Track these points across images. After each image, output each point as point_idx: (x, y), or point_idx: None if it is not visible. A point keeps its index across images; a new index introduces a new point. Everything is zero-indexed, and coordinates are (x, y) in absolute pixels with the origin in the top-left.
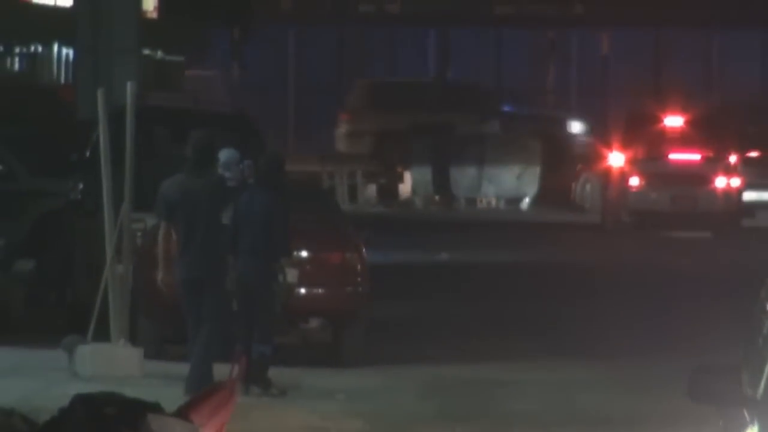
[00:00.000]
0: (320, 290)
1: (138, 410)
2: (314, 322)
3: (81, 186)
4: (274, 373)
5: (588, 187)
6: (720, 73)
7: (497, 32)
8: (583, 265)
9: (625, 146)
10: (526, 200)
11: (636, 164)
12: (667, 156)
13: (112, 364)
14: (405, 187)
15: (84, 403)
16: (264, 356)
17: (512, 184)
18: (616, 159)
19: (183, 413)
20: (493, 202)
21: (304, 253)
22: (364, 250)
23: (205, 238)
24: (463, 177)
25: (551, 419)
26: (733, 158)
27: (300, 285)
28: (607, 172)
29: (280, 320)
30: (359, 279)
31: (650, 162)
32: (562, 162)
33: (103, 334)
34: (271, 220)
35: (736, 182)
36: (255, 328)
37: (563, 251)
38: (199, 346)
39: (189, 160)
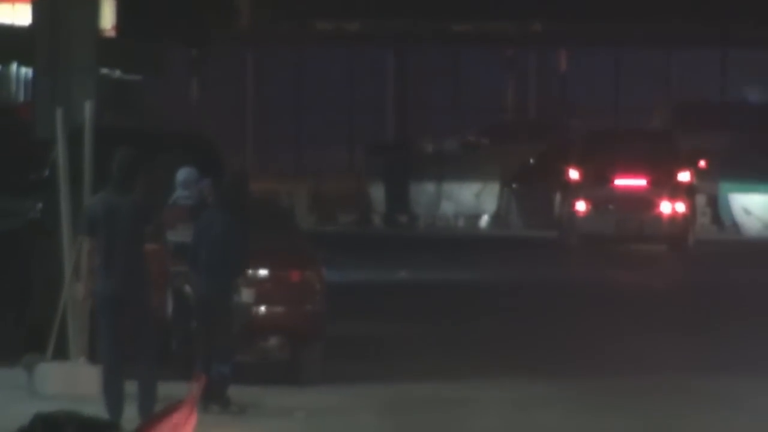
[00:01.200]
0: (279, 308)
1: (98, 429)
2: (273, 340)
3: (40, 205)
4: (233, 391)
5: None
6: (679, 91)
7: (455, 50)
8: (542, 283)
9: (580, 165)
10: (485, 218)
11: (582, 189)
12: (612, 181)
13: (71, 383)
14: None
15: (44, 422)
16: (223, 375)
17: (471, 201)
18: (572, 176)
19: None
20: (452, 220)
21: (262, 272)
22: (322, 268)
23: (127, 257)
24: (421, 195)
25: None
26: (685, 176)
27: (259, 303)
28: (564, 189)
29: (239, 339)
30: (318, 297)
31: (596, 187)
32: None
33: (62, 353)
34: (230, 240)
35: (681, 207)
36: (214, 347)
37: (521, 269)
38: (140, 367)
39: (112, 177)
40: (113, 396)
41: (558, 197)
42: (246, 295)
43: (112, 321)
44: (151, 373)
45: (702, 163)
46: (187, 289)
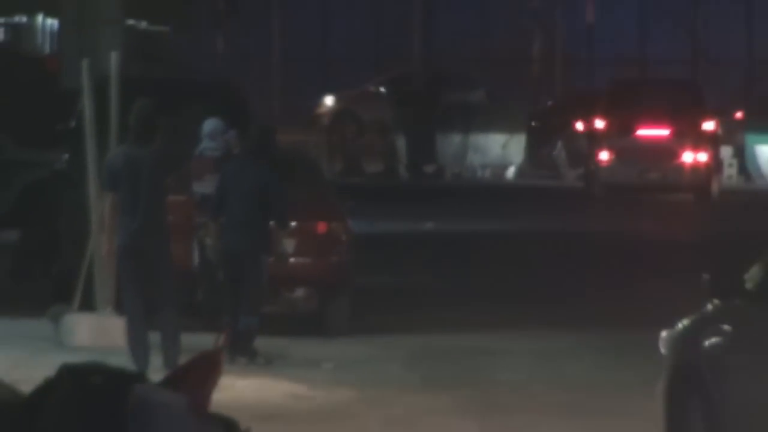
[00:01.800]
0: (306, 260)
1: (124, 380)
2: (300, 292)
3: (66, 156)
4: (259, 342)
5: (563, 152)
6: (706, 40)
7: (481, 1)
8: (567, 234)
9: (605, 115)
10: (512, 169)
11: (606, 139)
12: (635, 131)
13: (98, 334)
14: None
15: (70, 372)
16: (251, 327)
17: (498, 153)
18: (596, 126)
19: (169, 383)
20: (479, 171)
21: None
22: (348, 219)
23: (149, 208)
24: (448, 146)
25: (538, 387)
26: (709, 126)
27: (285, 254)
28: (588, 139)
29: (267, 291)
30: (344, 249)
31: (619, 137)
32: None
33: (88, 305)
34: (264, 193)
35: (703, 157)
36: (242, 299)
37: (548, 219)
38: (165, 319)
39: (131, 129)
40: (138, 347)
41: (583, 147)
42: (289, 246)
43: (134, 272)
44: (175, 324)
45: (738, 114)
46: (208, 240)
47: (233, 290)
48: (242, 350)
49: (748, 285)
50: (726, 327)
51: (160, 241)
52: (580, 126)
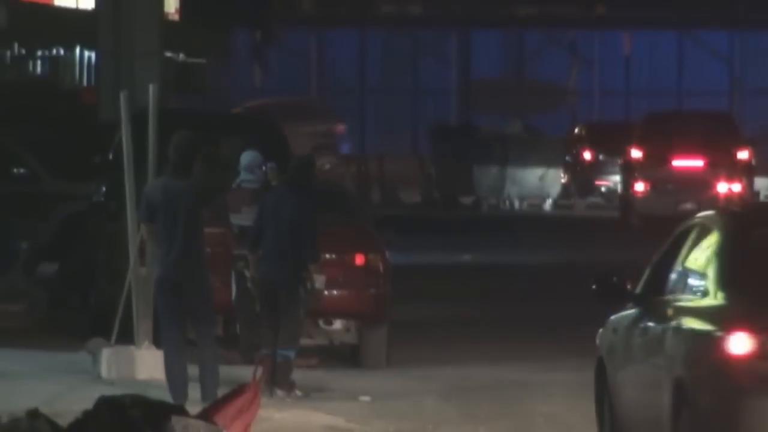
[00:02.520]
0: (344, 292)
1: (162, 412)
2: (338, 324)
3: (104, 188)
4: (297, 375)
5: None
6: (742, 74)
7: (519, 33)
8: (603, 264)
9: (641, 145)
10: (549, 201)
11: (641, 169)
12: (670, 162)
13: (135, 367)
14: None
15: (109, 405)
16: (288, 360)
17: (535, 184)
18: (633, 156)
19: (207, 415)
20: (516, 203)
21: (328, 255)
22: (387, 251)
23: (186, 240)
24: (486, 177)
25: (575, 420)
26: (744, 154)
27: (324, 287)
28: (624, 169)
29: (305, 323)
30: (382, 281)
31: (654, 168)
32: None
33: (127, 337)
34: (300, 225)
35: (737, 187)
36: (280, 332)
37: (584, 250)
38: (201, 350)
39: (170, 161)
40: (177, 379)
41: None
42: (319, 281)
43: (172, 304)
44: (213, 356)
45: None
46: (247, 273)
47: (271, 322)
48: (280, 383)
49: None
50: (617, 323)
51: (198, 273)
52: (587, 155)
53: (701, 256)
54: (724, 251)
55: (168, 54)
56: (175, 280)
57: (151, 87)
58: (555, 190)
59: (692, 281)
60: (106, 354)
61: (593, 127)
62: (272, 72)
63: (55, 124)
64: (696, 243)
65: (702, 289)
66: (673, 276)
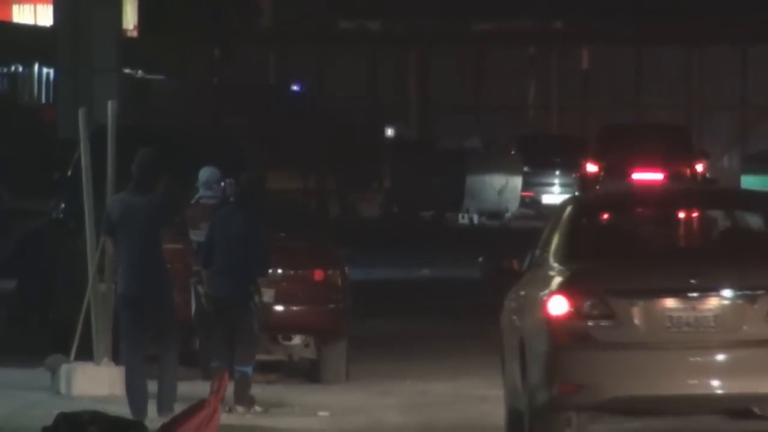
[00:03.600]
0: (302, 307)
1: (121, 429)
2: (297, 339)
3: (63, 205)
4: (257, 390)
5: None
6: (700, 89)
7: (477, 50)
8: None
9: (597, 159)
10: (508, 214)
11: (599, 183)
12: (630, 175)
13: (95, 384)
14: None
15: (68, 421)
16: (246, 376)
17: (494, 198)
18: (589, 170)
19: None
20: (475, 217)
21: (286, 271)
22: (345, 267)
23: (145, 257)
24: (444, 191)
25: None
26: (700, 167)
27: (283, 302)
28: (582, 183)
29: (260, 339)
30: (341, 295)
31: (613, 181)
32: None
33: (86, 354)
34: (248, 240)
35: None
36: (235, 348)
37: None
38: (161, 366)
39: (133, 177)
40: (136, 395)
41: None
42: (267, 295)
43: (132, 320)
44: (172, 372)
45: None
46: (200, 288)
47: (224, 337)
48: (239, 399)
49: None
50: (511, 293)
51: (159, 289)
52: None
53: (552, 233)
54: (560, 229)
55: (127, 71)
56: (136, 295)
57: (109, 104)
58: (514, 203)
59: (544, 255)
60: (65, 370)
61: (524, 139)
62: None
63: (14, 141)
64: (555, 223)
65: (546, 261)
66: (537, 251)
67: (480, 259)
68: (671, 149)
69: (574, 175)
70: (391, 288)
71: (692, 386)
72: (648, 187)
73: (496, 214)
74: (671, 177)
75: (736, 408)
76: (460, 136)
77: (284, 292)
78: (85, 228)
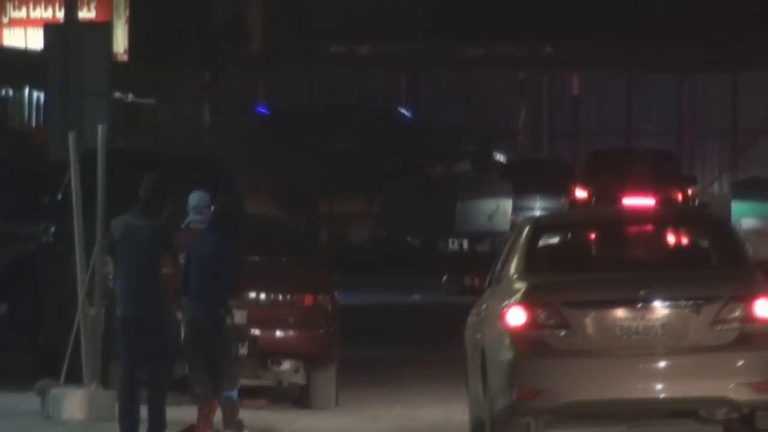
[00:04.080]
0: (292, 332)
1: None
2: (287, 364)
3: (53, 229)
4: (246, 415)
5: None
6: (692, 116)
7: (467, 74)
8: None
9: (586, 184)
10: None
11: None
12: (620, 200)
13: (84, 408)
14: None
15: None
16: (232, 400)
17: (484, 222)
18: (578, 195)
19: None
20: (465, 242)
21: (275, 295)
22: (335, 291)
23: (143, 279)
24: (434, 216)
25: None
26: (689, 192)
27: (272, 327)
28: (571, 208)
29: (242, 361)
30: (330, 320)
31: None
32: None
33: (76, 378)
34: (219, 263)
35: None
36: (218, 374)
37: None
38: (152, 390)
39: (140, 201)
40: (129, 419)
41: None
42: (239, 316)
43: (130, 343)
44: (162, 396)
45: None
46: (180, 314)
47: (202, 362)
48: (228, 424)
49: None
50: (474, 308)
51: (157, 313)
52: None
53: (512, 252)
54: (519, 247)
55: (117, 94)
56: (134, 317)
57: (99, 127)
58: (504, 228)
59: (503, 272)
60: (55, 395)
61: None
62: (221, 112)
63: (4, 163)
64: (514, 242)
65: (506, 277)
66: (497, 269)
67: (444, 279)
68: (660, 174)
69: (562, 200)
70: (380, 313)
71: (642, 390)
72: (598, 209)
73: (486, 238)
74: (663, 202)
75: (683, 411)
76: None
77: (273, 316)
78: (74, 251)
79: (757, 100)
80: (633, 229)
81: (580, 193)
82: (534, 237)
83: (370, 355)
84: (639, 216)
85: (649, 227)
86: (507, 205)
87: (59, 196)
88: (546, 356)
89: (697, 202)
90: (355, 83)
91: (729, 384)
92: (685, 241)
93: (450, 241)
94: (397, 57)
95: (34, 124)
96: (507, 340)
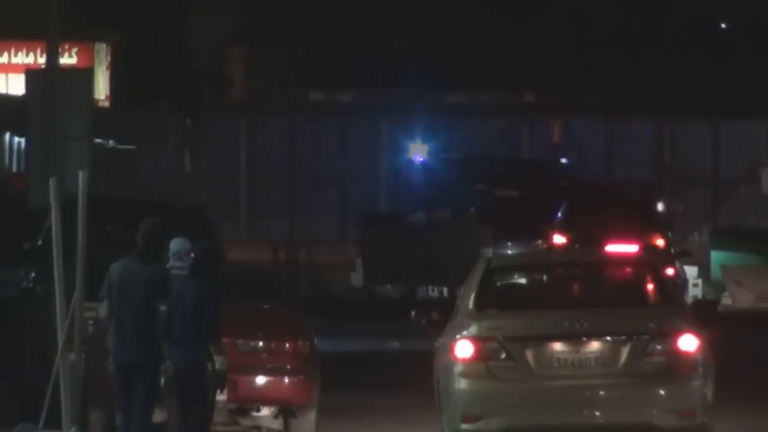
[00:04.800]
0: (271, 378)
1: None
2: (266, 411)
3: (33, 274)
4: None
5: None
6: (672, 163)
7: (448, 121)
8: None
9: (564, 230)
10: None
11: None
12: (603, 247)
13: None
14: (356, 275)
15: None
16: None
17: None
18: (557, 240)
19: None
20: (445, 290)
21: (255, 341)
22: (315, 338)
23: (138, 325)
24: (414, 263)
25: None
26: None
27: (251, 373)
28: None
29: (217, 407)
30: (310, 366)
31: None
32: None
33: (55, 423)
34: (199, 309)
35: (671, 272)
36: (191, 419)
37: None
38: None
39: (137, 246)
40: None
41: None
42: (219, 362)
43: (124, 387)
44: None
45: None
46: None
47: (179, 407)
48: None
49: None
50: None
51: (154, 359)
52: None
53: (468, 288)
54: (472, 285)
55: (98, 140)
56: (128, 364)
57: (80, 173)
58: None
59: (460, 307)
60: None
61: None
62: (202, 159)
63: None
64: (470, 280)
65: (459, 311)
66: (458, 303)
67: (413, 313)
68: (637, 221)
69: (539, 244)
70: (360, 360)
71: (575, 417)
72: (543, 253)
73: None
74: (645, 248)
75: None
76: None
77: (253, 362)
78: (54, 296)
79: (737, 147)
80: (574, 271)
81: (558, 239)
82: (485, 276)
83: (350, 401)
84: (581, 259)
85: (590, 270)
86: (487, 252)
87: (39, 242)
88: (489, 385)
89: (675, 248)
90: (336, 130)
91: (654, 411)
92: (621, 282)
93: (429, 289)
94: (378, 104)
95: (14, 169)
96: (455, 370)
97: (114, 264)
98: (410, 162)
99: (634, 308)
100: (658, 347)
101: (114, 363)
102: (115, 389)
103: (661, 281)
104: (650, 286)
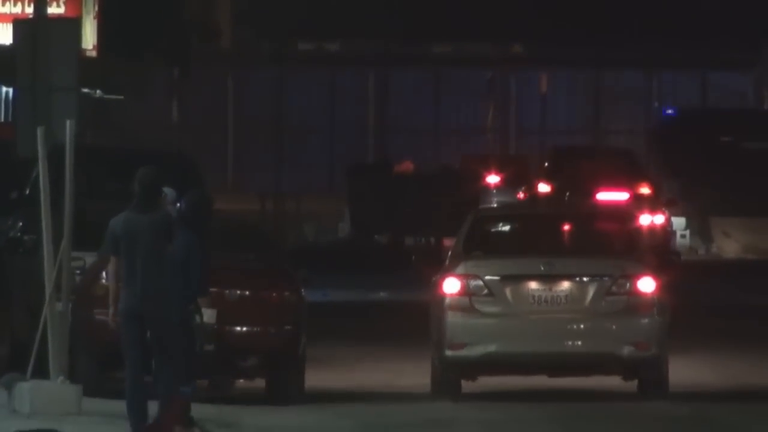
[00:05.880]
0: (258, 329)
1: None
2: (253, 360)
3: (20, 224)
4: (213, 410)
5: None
6: (658, 113)
7: (436, 72)
8: None
9: (549, 179)
10: None
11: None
12: (594, 195)
13: (51, 402)
14: (344, 225)
15: None
16: (185, 396)
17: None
18: (542, 189)
19: None
20: (433, 239)
21: (242, 292)
22: (302, 288)
23: (147, 273)
24: (402, 214)
25: None
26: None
27: (239, 323)
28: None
29: (203, 359)
30: (297, 317)
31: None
32: None
33: (42, 372)
34: (187, 260)
35: (660, 219)
36: (177, 368)
37: None
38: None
39: (135, 196)
40: (135, 409)
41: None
42: (208, 315)
43: (134, 336)
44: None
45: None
46: None
47: (167, 358)
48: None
49: None
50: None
51: (162, 307)
52: None
53: (459, 235)
54: (462, 232)
55: (85, 90)
56: (139, 313)
57: (68, 123)
58: None
59: (452, 250)
60: (22, 388)
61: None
62: (190, 109)
63: None
64: (462, 227)
65: (451, 254)
66: (452, 247)
67: (413, 257)
68: (624, 170)
69: (518, 194)
70: (347, 311)
71: (546, 345)
72: (525, 204)
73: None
74: (635, 197)
75: (580, 363)
76: (419, 159)
77: (240, 313)
78: (42, 246)
79: (725, 97)
80: (552, 222)
81: (543, 188)
82: (474, 224)
83: (337, 352)
84: (559, 211)
85: (566, 220)
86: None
87: (27, 191)
88: (472, 317)
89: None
90: (324, 80)
91: (615, 342)
92: (594, 231)
93: (419, 238)
94: (366, 54)
95: (2, 119)
96: (444, 303)
97: (113, 219)
98: (662, 114)
99: (602, 254)
100: (620, 288)
101: (122, 309)
102: (124, 338)
103: (629, 232)
104: (620, 237)
